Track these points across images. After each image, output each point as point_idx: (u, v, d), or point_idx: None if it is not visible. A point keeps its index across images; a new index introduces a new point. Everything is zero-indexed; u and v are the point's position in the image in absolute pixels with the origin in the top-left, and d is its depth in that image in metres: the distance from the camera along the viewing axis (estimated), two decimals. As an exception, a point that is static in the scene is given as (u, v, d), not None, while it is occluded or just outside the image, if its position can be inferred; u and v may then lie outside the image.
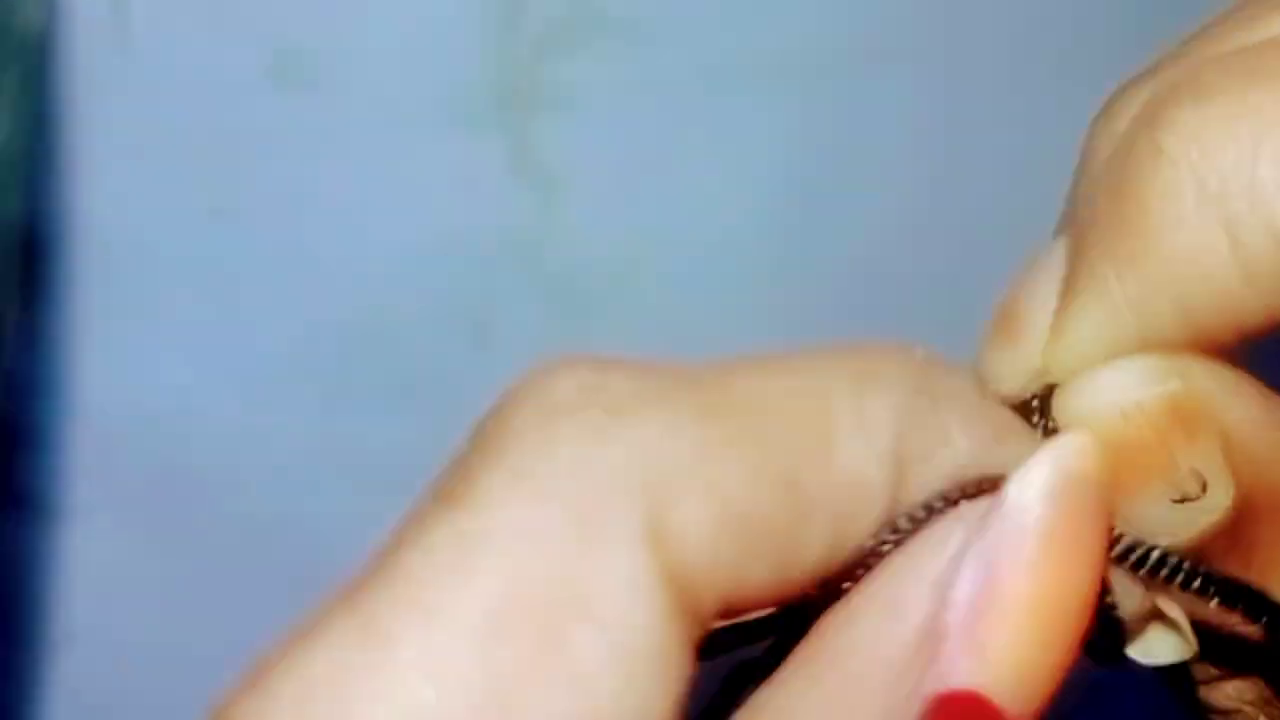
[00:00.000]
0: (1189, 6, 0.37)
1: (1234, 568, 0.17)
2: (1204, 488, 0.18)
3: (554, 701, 0.13)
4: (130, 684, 0.36)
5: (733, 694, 0.17)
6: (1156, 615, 0.18)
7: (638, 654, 0.14)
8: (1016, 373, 0.18)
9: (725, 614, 0.15)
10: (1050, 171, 0.32)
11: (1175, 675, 0.20)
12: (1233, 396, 0.18)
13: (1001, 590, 0.15)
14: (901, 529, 0.15)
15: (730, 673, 0.18)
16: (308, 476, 0.36)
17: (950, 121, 0.37)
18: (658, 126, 0.36)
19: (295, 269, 0.35)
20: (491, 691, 0.13)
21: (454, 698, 0.13)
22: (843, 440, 0.15)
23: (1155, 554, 0.17)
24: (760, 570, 0.15)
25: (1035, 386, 0.18)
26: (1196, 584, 0.17)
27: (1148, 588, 0.17)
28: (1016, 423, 0.17)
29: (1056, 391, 0.18)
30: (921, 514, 0.15)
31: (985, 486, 0.16)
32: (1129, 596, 0.17)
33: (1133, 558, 0.17)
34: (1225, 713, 0.21)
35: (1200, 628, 0.18)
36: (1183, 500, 0.18)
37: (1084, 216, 0.19)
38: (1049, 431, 0.17)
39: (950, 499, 0.15)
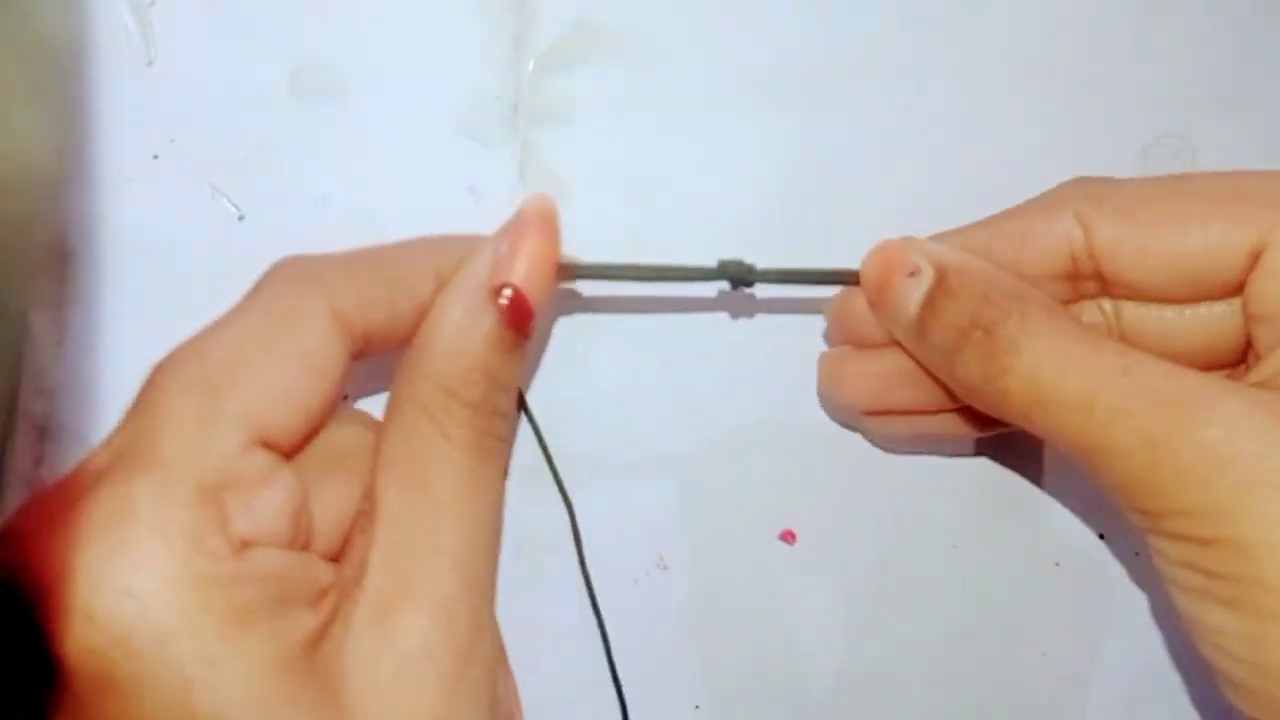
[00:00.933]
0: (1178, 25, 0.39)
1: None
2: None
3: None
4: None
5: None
6: None
7: (316, 352, 0.30)
8: None
9: (370, 340, 0.32)
10: (1047, 185, 0.34)
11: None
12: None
13: (518, 245, 0.32)
14: None
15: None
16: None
17: (946, 136, 0.39)
18: (657, 138, 0.37)
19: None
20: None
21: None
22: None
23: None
24: (379, 316, 0.31)
25: None
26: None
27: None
28: None
29: None
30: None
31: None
32: None
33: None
34: None
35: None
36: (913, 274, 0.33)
37: None
38: None
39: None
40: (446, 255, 0.33)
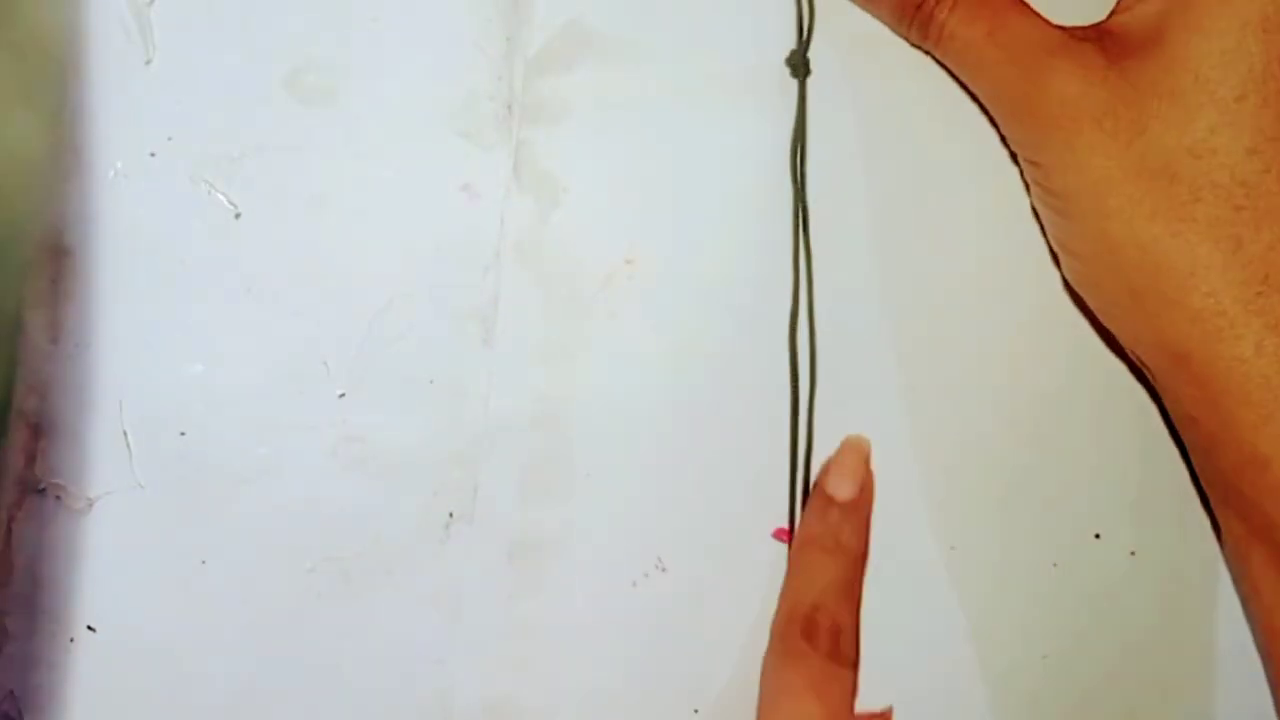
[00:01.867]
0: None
1: None
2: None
3: None
4: (151, 673, 0.37)
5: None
6: None
7: None
8: None
9: None
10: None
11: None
12: None
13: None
14: None
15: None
16: (325, 468, 0.37)
17: (944, 129, 0.39)
18: (648, 137, 0.38)
19: (311, 270, 0.37)
20: None
21: None
22: None
23: None
24: None
25: None
26: None
27: None
28: None
29: None
30: None
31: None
32: None
33: None
34: None
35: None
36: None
37: None
38: None
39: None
40: None
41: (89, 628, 0.36)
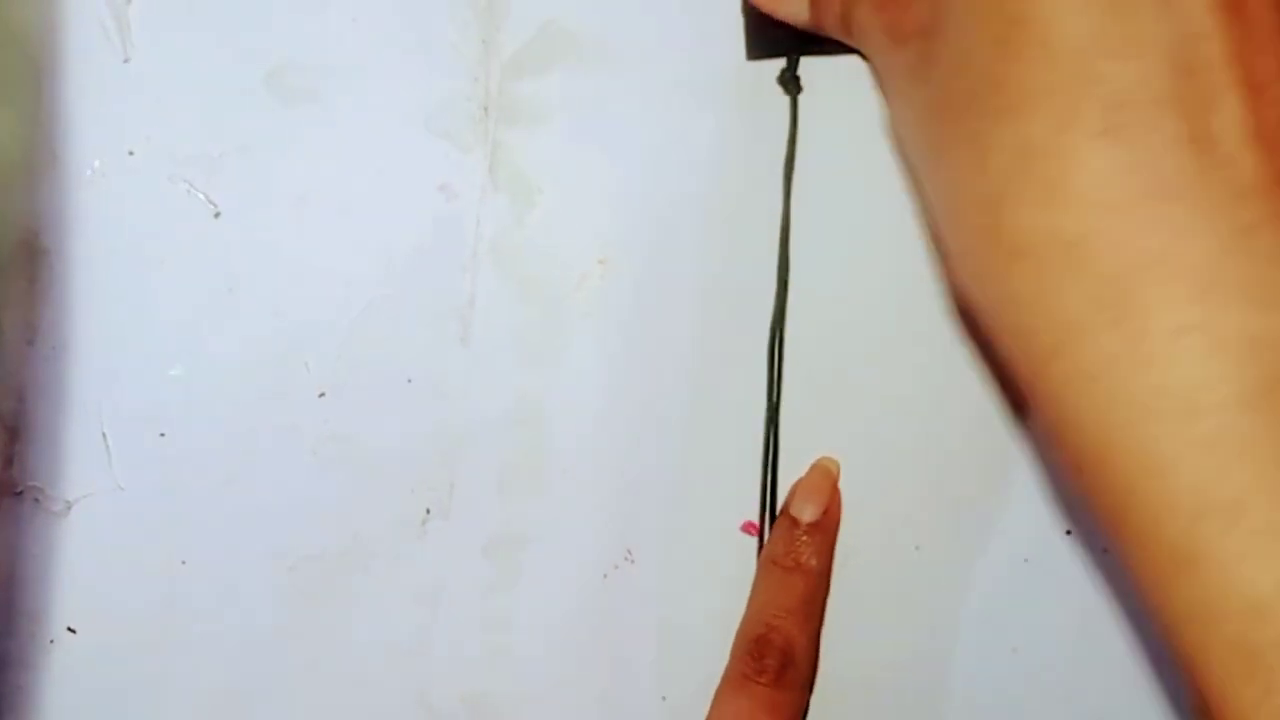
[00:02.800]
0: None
1: None
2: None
3: None
4: (131, 674, 0.37)
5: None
6: None
7: None
8: None
9: None
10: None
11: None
12: None
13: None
14: None
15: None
16: (305, 467, 0.37)
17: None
18: (623, 137, 0.38)
19: (291, 270, 0.37)
20: None
21: None
22: None
23: None
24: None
25: None
26: None
27: None
28: None
29: None
30: None
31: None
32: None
33: None
34: None
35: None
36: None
37: None
38: None
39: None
40: None
41: (69, 629, 0.36)
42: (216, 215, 0.37)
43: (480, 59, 0.37)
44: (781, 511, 0.39)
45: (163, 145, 0.36)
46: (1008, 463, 0.39)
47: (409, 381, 0.38)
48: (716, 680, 0.38)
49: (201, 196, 0.37)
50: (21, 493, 0.36)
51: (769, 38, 0.38)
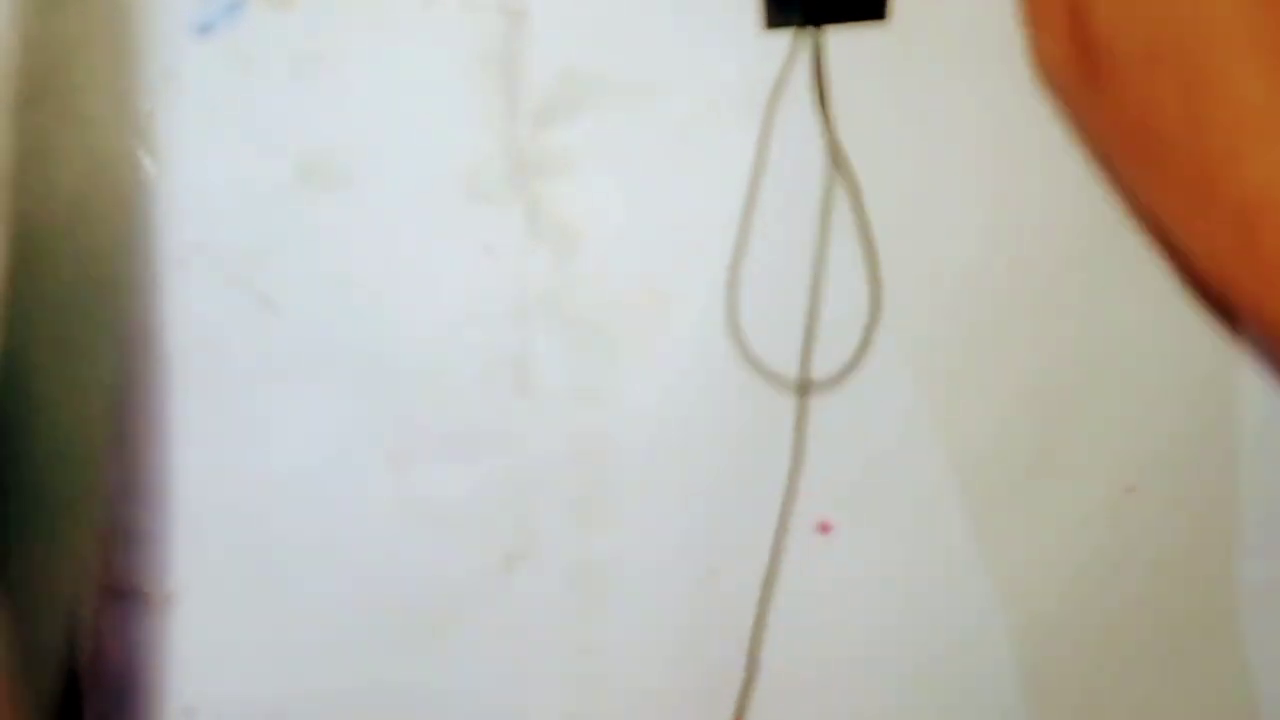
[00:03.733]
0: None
1: None
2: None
3: None
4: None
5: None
6: None
7: None
8: None
9: None
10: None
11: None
12: None
13: None
14: None
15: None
16: (387, 534, 0.39)
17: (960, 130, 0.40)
18: (653, 178, 0.39)
19: (347, 348, 0.38)
20: None
21: None
22: None
23: None
24: None
25: None
26: None
27: None
28: None
29: None
30: None
31: None
32: None
33: None
34: None
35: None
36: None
37: None
38: None
39: None
40: None
41: (185, 711, 0.38)
42: (268, 306, 0.38)
43: (505, 116, 0.38)
44: None
45: (207, 245, 0.37)
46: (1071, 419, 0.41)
47: (474, 436, 0.39)
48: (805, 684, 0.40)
49: (256, 291, 0.37)
50: (124, 591, 0.38)
51: (787, 6, 0.38)
